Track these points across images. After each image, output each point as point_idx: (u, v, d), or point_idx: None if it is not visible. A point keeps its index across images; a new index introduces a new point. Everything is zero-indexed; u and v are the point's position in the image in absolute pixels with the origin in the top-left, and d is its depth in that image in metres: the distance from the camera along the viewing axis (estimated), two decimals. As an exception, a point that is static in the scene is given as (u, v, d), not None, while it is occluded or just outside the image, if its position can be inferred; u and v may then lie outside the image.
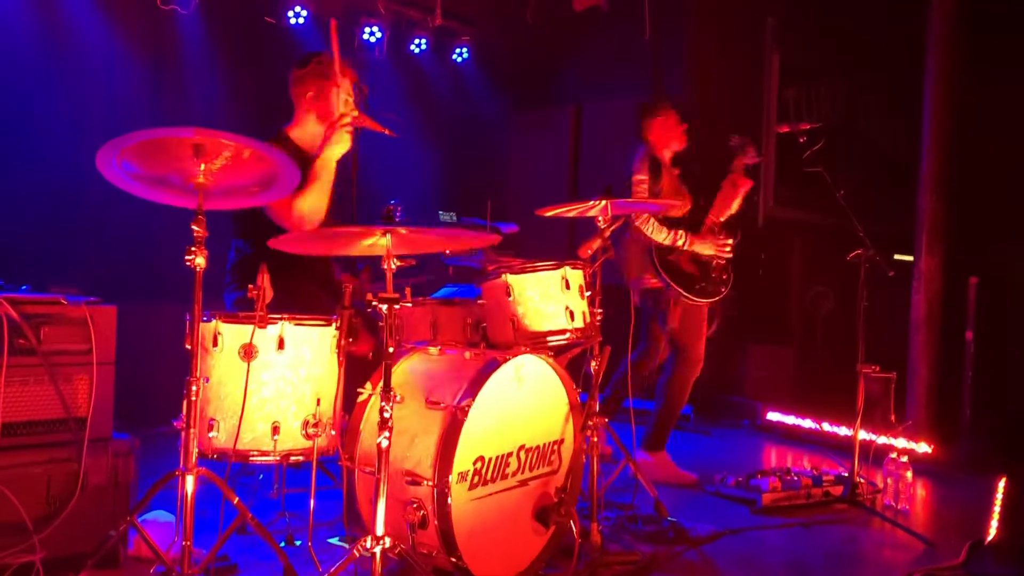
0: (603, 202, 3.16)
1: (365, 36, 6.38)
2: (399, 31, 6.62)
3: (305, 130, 3.43)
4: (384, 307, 2.35)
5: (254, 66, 5.83)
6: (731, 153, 4.36)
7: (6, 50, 4.88)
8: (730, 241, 4.33)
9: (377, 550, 2.31)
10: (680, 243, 4.24)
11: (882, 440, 4.77)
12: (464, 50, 7.02)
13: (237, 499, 2.58)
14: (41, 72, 5.01)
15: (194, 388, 2.44)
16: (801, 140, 4.06)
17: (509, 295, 3.09)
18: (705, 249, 4.29)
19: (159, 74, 5.50)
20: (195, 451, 2.45)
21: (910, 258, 5.29)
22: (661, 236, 4.23)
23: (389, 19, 6.46)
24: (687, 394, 4.40)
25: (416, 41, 6.73)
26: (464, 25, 6.94)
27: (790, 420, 5.66)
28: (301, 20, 5.98)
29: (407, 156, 6.22)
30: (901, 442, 4.77)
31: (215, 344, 2.64)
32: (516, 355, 2.79)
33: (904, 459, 3.94)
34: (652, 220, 4.22)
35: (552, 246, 4.36)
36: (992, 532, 3.29)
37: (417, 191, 6.51)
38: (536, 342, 3.06)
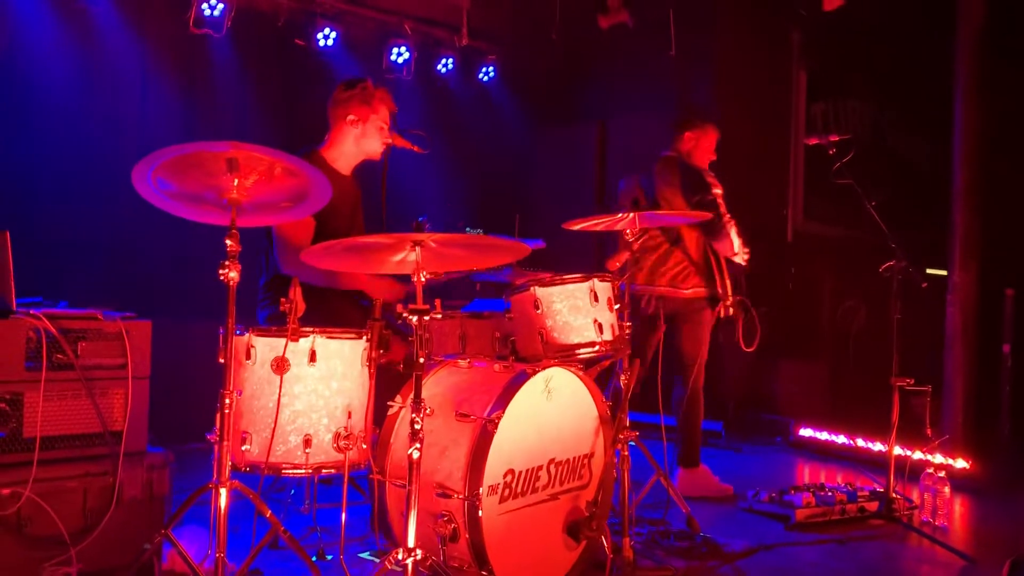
0: (631, 214, 3.16)
1: (393, 57, 6.46)
2: (426, 51, 6.70)
3: (340, 151, 3.51)
4: (415, 318, 2.37)
5: (284, 88, 5.94)
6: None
7: (44, 73, 5.01)
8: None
9: (409, 562, 2.31)
10: (747, 252, 4.30)
11: (918, 456, 4.68)
12: (490, 69, 7.08)
13: (270, 512, 2.59)
14: (77, 95, 5.13)
15: (227, 401, 2.47)
16: (831, 152, 4.04)
17: (537, 308, 3.09)
18: (741, 256, 4.30)
19: (191, 97, 5.61)
20: (228, 464, 2.47)
21: (943, 272, 5.22)
22: (739, 245, 4.23)
23: (416, 40, 6.54)
24: (702, 404, 4.35)
25: (443, 61, 6.81)
26: (490, 44, 7.00)
27: (823, 436, 5.59)
28: (330, 42, 6.07)
29: (434, 174, 6.28)
30: (938, 458, 4.68)
31: (248, 357, 2.67)
32: (545, 367, 2.79)
33: (942, 474, 3.87)
34: (735, 225, 4.20)
35: (579, 262, 4.36)
36: (1034, 548, 3.22)
37: (444, 208, 6.55)
38: (565, 355, 3.06)
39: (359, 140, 3.50)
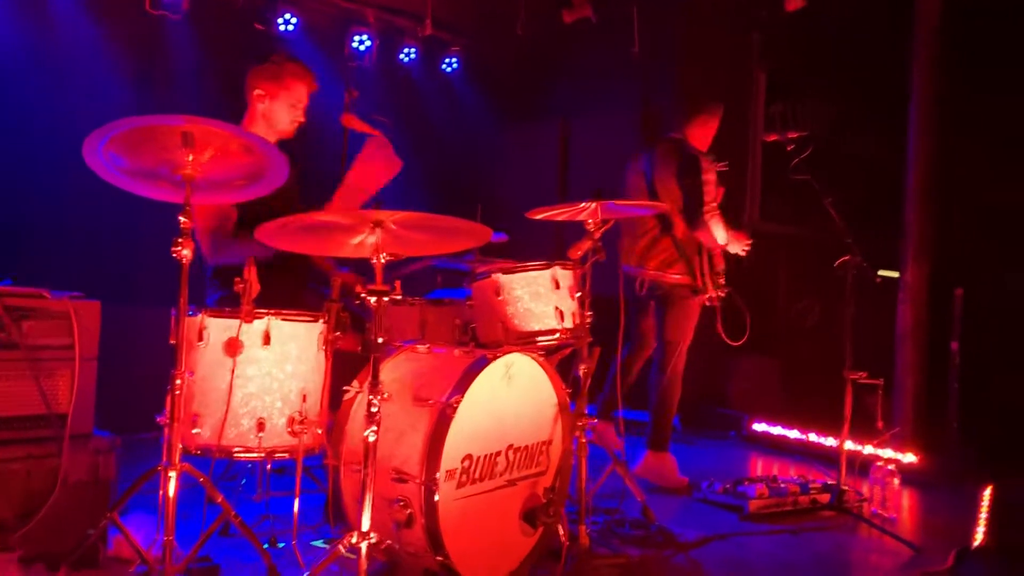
0: (593, 204, 3.16)
1: (355, 45, 6.38)
2: (389, 40, 6.63)
3: (254, 129, 3.39)
4: (373, 299, 2.33)
5: (243, 73, 5.82)
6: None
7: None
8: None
9: (363, 546, 2.27)
10: (737, 237, 4.34)
11: (868, 451, 4.77)
12: (454, 60, 7.04)
13: (221, 497, 2.54)
14: (29, 75, 4.98)
15: (178, 382, 2.41)
16: (789, 148, 4.08)
17: (499, 295, 3.08)
18: (734, 247, 4.36)
19: (147, 79, 5.48)
20: (179, 446, 2.41)
21: (895, 274, 5.31)
22: (721, 231, 4.27)
23: (379, 28, 6.47)
24: (679, 390, 4.40)
25: (406, 50, 6.75)
26: (454, 35, 6.96)
27: (776, 431, 5.66)
28: (291, 27, 5.98)
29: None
30: (888, 452, 4.77)
31: (200, 339, 2.61)
32: (506, 353, 2.77)
33: (891, 467, 3.94)
34: (718, 216, 4.23)
35: (541, 256, 4.36)
36: (979, 538, 3.28)
37: (404, 199, 6.47)
38: (526, 342, 3.05)
39: (267, 116, 3.40)
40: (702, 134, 4.43)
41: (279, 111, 3.38)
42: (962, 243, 5.48)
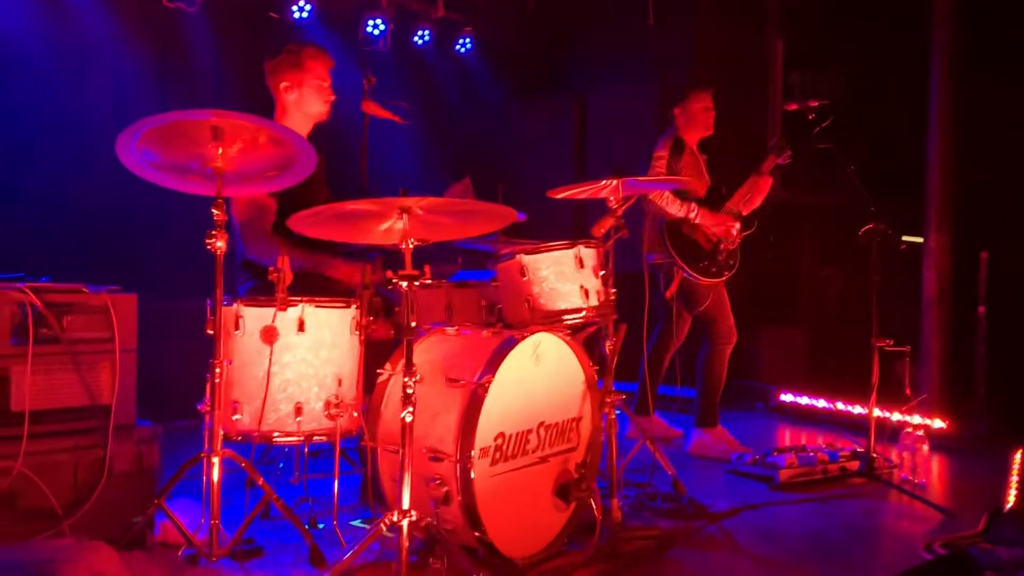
0: (614, 181, 3.18)
1: (369, 29, 6.40)
2: (402, 24, 6.64)
3: (286, 122, 3.44)
4: (404, 284, 2.37)
5: (260, 62, 5.85)
6: (755, 147, 4.47)
7: (17, 49, 4.92)
8: (738, 226, 4.48)
9: (404, 523, 2.33)
10: (692, 215, 4.40)
11: (896, 418, 4.78)
12: (467, 41, 7.04)
13: (262, 479, 2.61)
14: (50, 71, 5.05)
15: (218, 370, 2.47)
16: (810, 117, 4.07)
17: (524, 275, 3.11)
18: (714, 227, 4.43)
19: (166, 71, 5.53)
20: (220, 433, 2.47)
21: (919, 239, 5.28)
22: (674, 208, 4.39)
23: (392, 12, 6.48)
24: (724, 368, 4.54)
25: (419, 33, 6.76)
26: (467, 16, 6.95)
27: (803, 401, 5.67)
28: (305, 15, 6.00)
29: (413, 146, 6.26)
30: (916, 419, 4.78)
31: (237, 328, 2.67)
32: (533, 333, 2.81)
33: (920, 433, 3.95)
34: (667, 193, 4.36)
35: (560, 236, 4.40)
36: (1010, 501, 3.30)
37: (423, 182, 6.53)
38: (552, 321, 3.08)
39: (299, 105, 3.45)
40: (686, 120, 4.59)
41: (308, 96, 3.43)
42: (986, 207, 5.43)
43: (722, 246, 4.46)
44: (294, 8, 5.96)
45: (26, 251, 3.52)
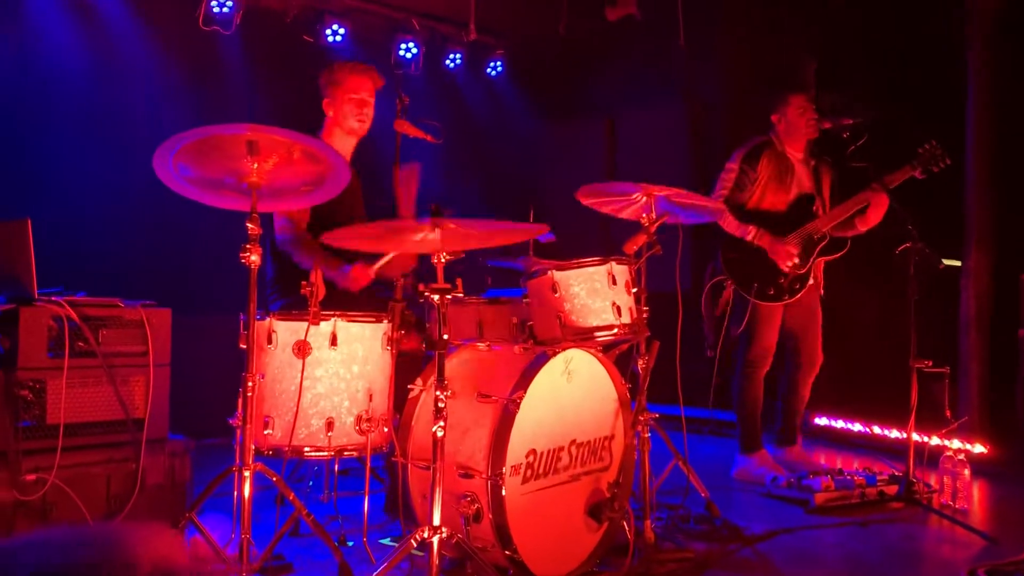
0: (644, 197, 3.17)
1: (401, 52, 6.47)
2: (434, 46, 6.70)
3: (330, 140, 3.49)
4: (436, 297, 2.37)
5: (293, 85, 5.94)
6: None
7: (59, 70, 5.05)
8: (795, 254, 4.22)
9: (435, 540, 2.31)
10: (749, 237, 4.23)
11: (935, 442, 4.66)
12: (498, 64, 7.08)
13: (293, 495, 2.60)
14: (91, 91, 5.17)
15: (250, 384, 2.47)
16: (844, 136, 4.02)
17: (555, 291, 3.09)
18: (772, 254, 4.23)
19: (202, 93, 5.63)
20: (252, 447, 2.47)
21: (957, 263, 5.19)
22: (731, 228, 4.25)
23: (424, 35, 6.55)
24: (757, 391, 4.42)
25: (451, 56, 6.81)
26: (498, 39, 7.00)
27: (839, 424, 5.57)
28: (339, 38, 6.08)
29: (443, 168, 6.28)
30: (955, 443, 4.66)
31: (269, 342, 2.68)
32: (565, 349, 2.79)
33: (961, 457, 3.85)
34: (726, 210, 4.20)
35: (590, 256, 4.39)
36: (1056, 527, 3.20)
37: (453, 203, 6.54)
38: (584, 338, 3.06)
39: (337, 121, 3.49)
40: (784, 125, 4.37)
41: (343, 111, 3.46)
42: (1024, 228, 5.33)
43: (784, 270, 4.24)
44: (328, 32, 6.04)
45: (64, 266, 3.57)
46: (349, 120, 3.46)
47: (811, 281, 4.32)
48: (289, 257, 3.30)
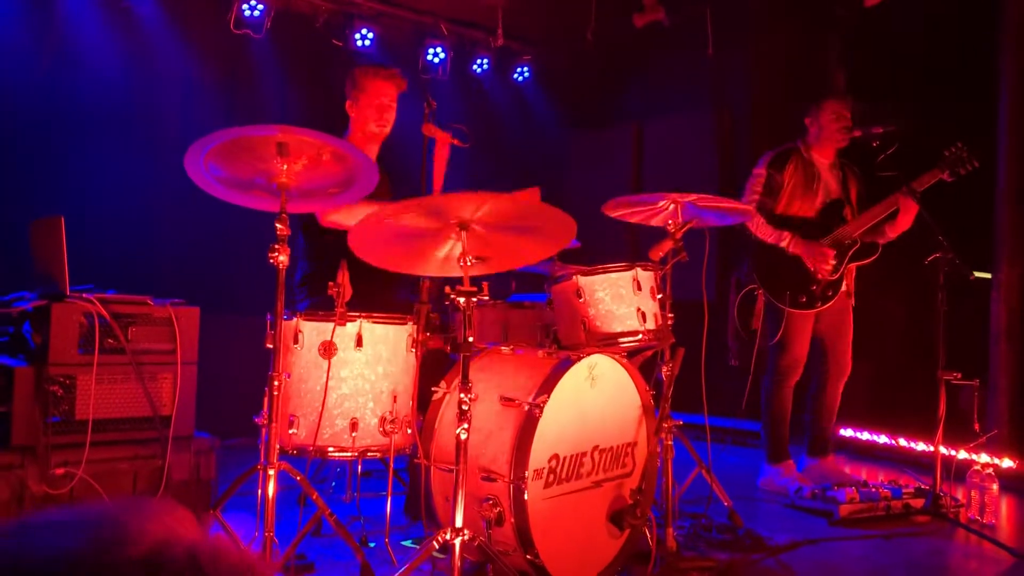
0: (671, 205, 3.15)
1: (429, 57, 6.51)
2: (462, 52, 6.74)
3: (355, 142, 3.51)
4: (462, 300, 2.37)
5: (322, 88, 5.99)
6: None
7: (94, 74, 5.13)
8: (832, 255, 4.17)
9: (457, 542, 2.31)
10: (784, 243, 4.19)
11: (963, 456, 4.60)
12: (525, 69, 7.10)
13: (316, 494, 2.61)
14: (125, 94, 5.24)
15: (276, 383, 2.49)
16: (874, 144, 3.98)
17: (580, 296, 3.09)
18: (807, 258, 4.18)
19: (233, 96, 5.70)
20: (276, 446, 2.49)
21: (988, 275, 5.11)
22: (764, 233, 4.22)
23: (452, 40, 6.58)
24: (786, 401, 4.38)
25: (479, 61, 6.84)
26: (525, 45, 7.03)
27: (864, 436, 5.51)
28: (367, 43, 6.13)
29: (469, 173, 6.29)
30: (984, 457, 4.59)
31: (296, 342, 2.70)
32: (589, 354, 2.78)
33: (990, 471, 3.79)
34: (759, 218, 4.17)
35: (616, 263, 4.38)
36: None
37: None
38: (608, 343, 3.05)
39: (358, 124, 3.52)
40: (814, 132, 4.34)
41: (363, 114, 3.49)
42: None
43: (819, 275, 4.19)
44: (356, 36, 6.10)
45: (95, 264, 3.62)
46: (370, 124, 3.49)
47: (843, 288, 4.28)
48: (326, 252, 3.27)
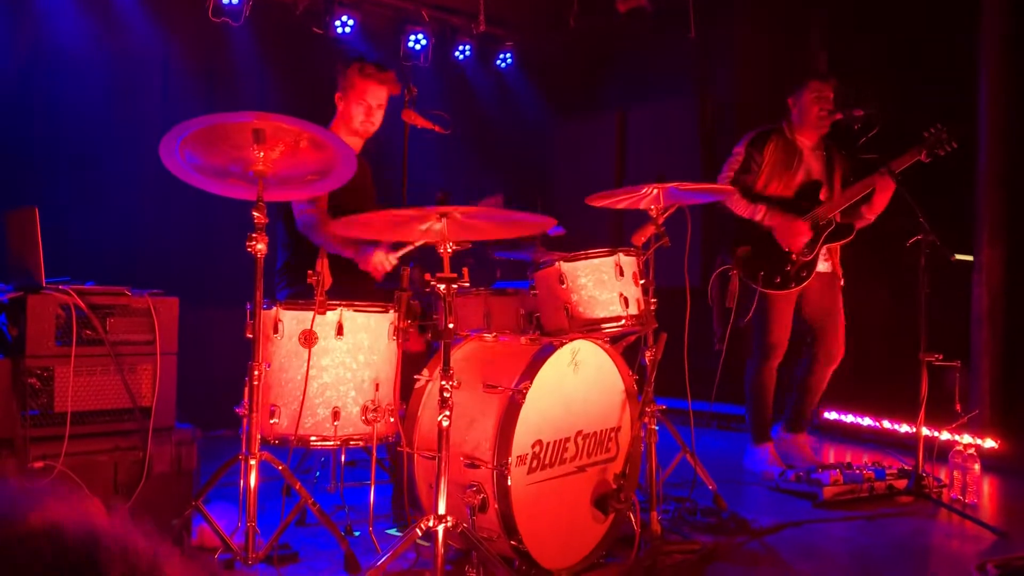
0: (655, 190, 3.14)
1: (410, 44, 6.45)
2: (443, 38, 6.69)
3: (338, 130, 3.49)
4: (442, 287, 2.36)
5: (303, 76, 5.94)
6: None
7: (69, 60, 5.05)
8: (806, 231, 4.15)
9: (440, 529, 2.30)
10: (759, 216, 4.17)
11: (945, 436, 4.62)
12: (508, 56, 7.06)
13: (299, 484, 2.60)
14: (100, 81, 5.16)
15: (256, 373, 2.47)
16: (856, 127, 3.98)
17: (563, 282, 3.08)
18: (782, 234, 4.16)
19: (211, 85, 5.63)
20: (258, 436, 2.47)
21: (970, 258, 5.13)
22: (740, 207, 4.19)
23: (433, 27, 6.53)
24: (767, 382, 4.40)
25: (460, 48, 6.79)
26: (507, 31, 6.98)
27: (848, 419, 5.54)
28: (348, 29, 6.07)
29: (452, 160, 6.27)
30: (966, 438, 4.62)
31: (276, 331, 2.68)
32: (572, 340, 2.78)
33: (971, 451, 3.82)
34: (735, 192, 4.13)
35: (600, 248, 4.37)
36: (1067, 522, 3.17)
37: (461, 196, 6.53)
38: (590, 329, 3.05)
39: (344, 118, 3.49)
40: (796, 115, 4.33)
41: (350, 109, 3.46)
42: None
43: (793, 256, 4.18)
44: (337, 23, 6.03)
45: (72, 255, 3.58)
46: (355, 121, 3.47)
47: (819, 268, 4.29)
48: (306, 241, 3.28)
